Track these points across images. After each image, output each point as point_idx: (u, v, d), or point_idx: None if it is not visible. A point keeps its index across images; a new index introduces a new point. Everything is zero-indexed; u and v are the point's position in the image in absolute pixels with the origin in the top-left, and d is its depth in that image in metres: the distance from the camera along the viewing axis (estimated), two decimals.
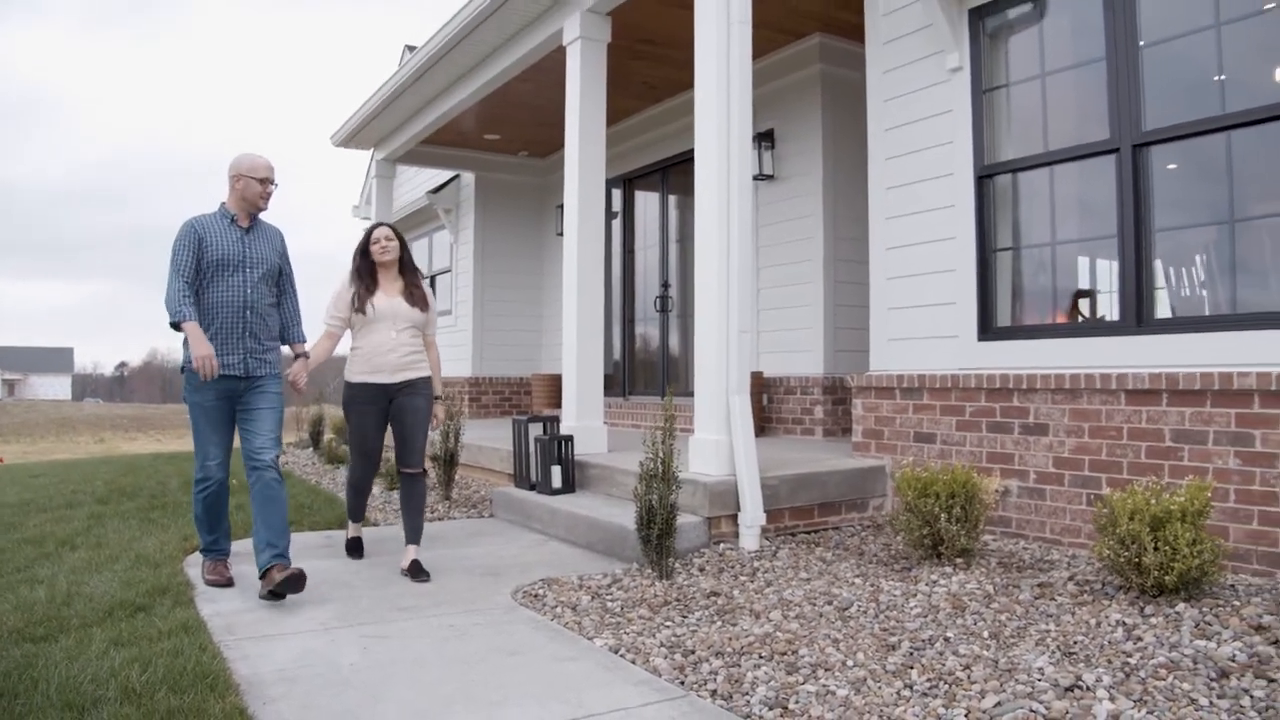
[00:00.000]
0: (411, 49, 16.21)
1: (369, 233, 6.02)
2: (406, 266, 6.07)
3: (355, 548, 6.24)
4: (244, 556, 5.68)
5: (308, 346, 5.80)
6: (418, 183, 16.85)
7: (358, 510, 6.29)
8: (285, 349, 5.74)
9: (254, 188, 5.37)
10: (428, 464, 6.91)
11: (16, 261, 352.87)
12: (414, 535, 5.82)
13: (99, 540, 6.61)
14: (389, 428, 6.02)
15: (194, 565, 5.83)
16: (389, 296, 5.90)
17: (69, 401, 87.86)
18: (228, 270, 5.26)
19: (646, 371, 12.42)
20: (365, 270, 5.96)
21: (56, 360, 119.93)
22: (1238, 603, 4.32)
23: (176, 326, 5.10)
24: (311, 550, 6.31)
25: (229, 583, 5.38)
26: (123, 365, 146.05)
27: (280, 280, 5.61)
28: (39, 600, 4.91)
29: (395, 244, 5.98)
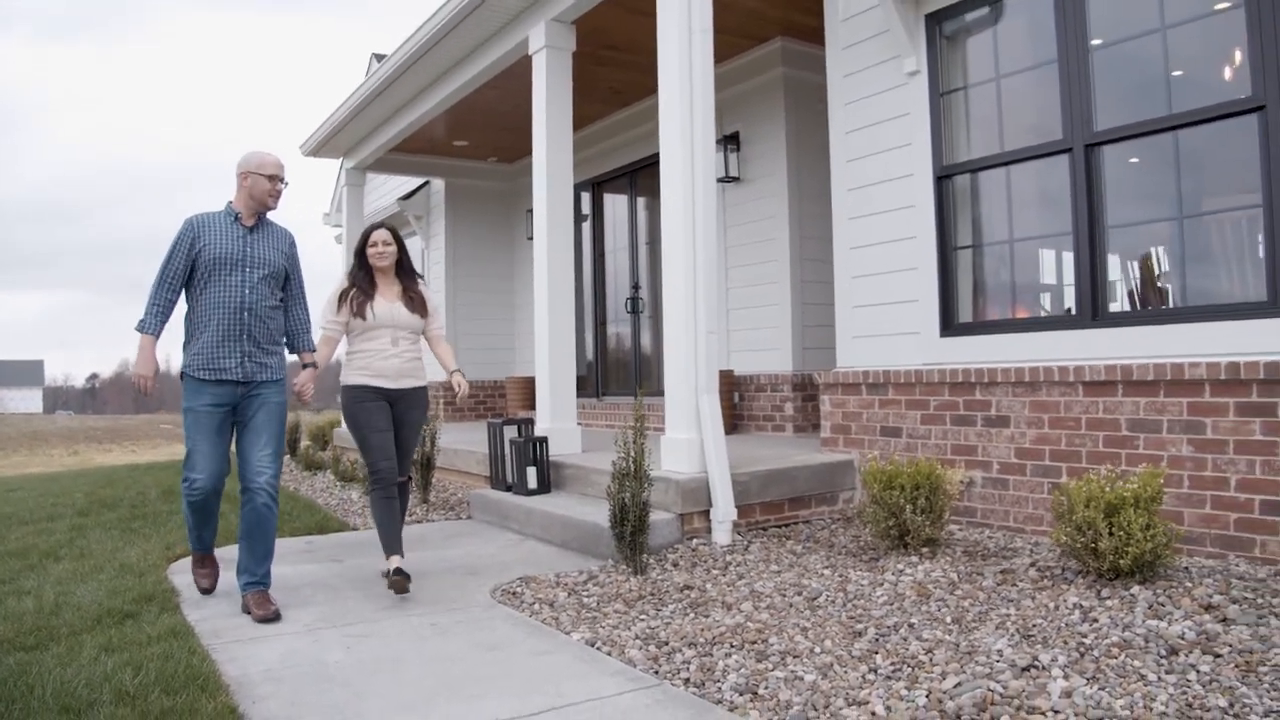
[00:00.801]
0: (380, 58, 16.32)
1: (366, 234, 5.78)
2: (404, 269, 5.84)
3: (402, 579, 5.24)
4: (228, 564, 5.77)
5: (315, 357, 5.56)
6: (388, 189, 16.95)
7: (393, 537, 5.55)
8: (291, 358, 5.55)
9: (262, 185, 5.12)
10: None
11: None
12: (394, 546, 5.56)
13: (82, 551, 6.69)
14: None
15: (178, 573, 5.92)
16: (388, 302, 5.69)
17: (40, 414, 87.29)
18: (226, 269, 5.01)
19: (619, 372, 12.56)
20: (363, 273, 5.75)
21: (26, 373, 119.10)
22: (1190, 584, 4.50)
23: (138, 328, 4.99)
24: (293, 556, 6.40)
25: (211, 590, 5.40)
26: (94, 377, 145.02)
27: (287, 285, 5.35)
28: (27, 610, 5.00)
29: (393, 248, 5.74)
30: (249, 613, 4.88)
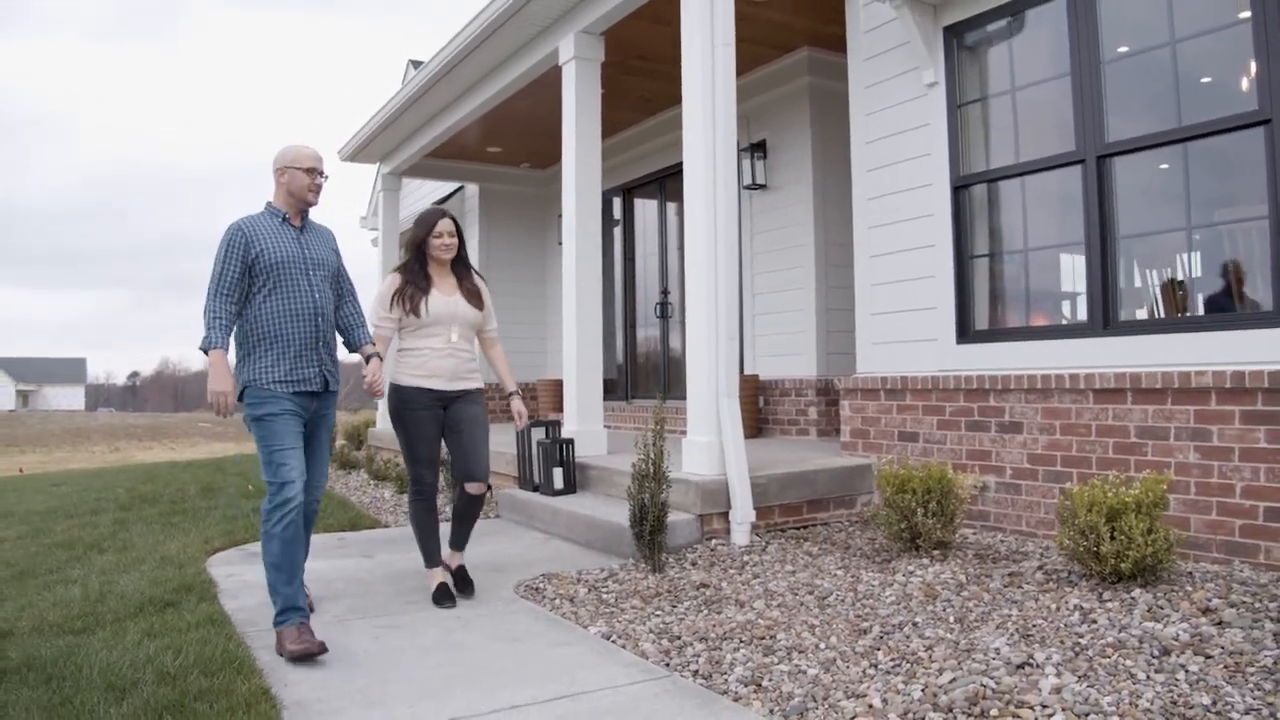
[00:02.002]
0: (416, 64, 16.58)
1: (430, 223, 5.37)
2: (461, 260, 5.52)
3: (445, 595, 5.22)
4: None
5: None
6: (423, 193, 17.22)
7: (431, 549, 5.43)
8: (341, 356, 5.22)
9: (300, 180, 4.78)
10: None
11: (30, 273, 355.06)
12: (460, 542, 5.50)
13: (125, 543, 6.97)
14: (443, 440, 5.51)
15: (216, 565, 6.19)
16: (445, 296, 5.37)
17: (83, 412, 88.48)
18: (291, 274, 4.70)
19: (648, 375, 12.75)
20: (419, 266, 5.40)
21: (70, 371, 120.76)
22: (1191, 588, 4.62)
23: (206, 352, 4.52)
24: (326, 551, 6.63)
25: (322, 649, 4.24)
26: (135, 375, 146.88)
27: (339, 281, 5.08)
28: (75, 598, 5.29)
29: (457, 240, 5.44)
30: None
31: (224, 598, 5.34)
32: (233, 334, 4.65)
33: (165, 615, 4.89)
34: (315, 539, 6.75)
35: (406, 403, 5.33)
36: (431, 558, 5.40)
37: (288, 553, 4.48)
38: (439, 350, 5.34)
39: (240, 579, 5.79)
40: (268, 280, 4.66)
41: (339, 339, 5.06)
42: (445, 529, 5.57)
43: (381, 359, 5.11)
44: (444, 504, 8.57)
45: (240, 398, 4.62)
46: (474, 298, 5.48)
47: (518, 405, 5.64)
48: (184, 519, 8.10)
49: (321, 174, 4.87)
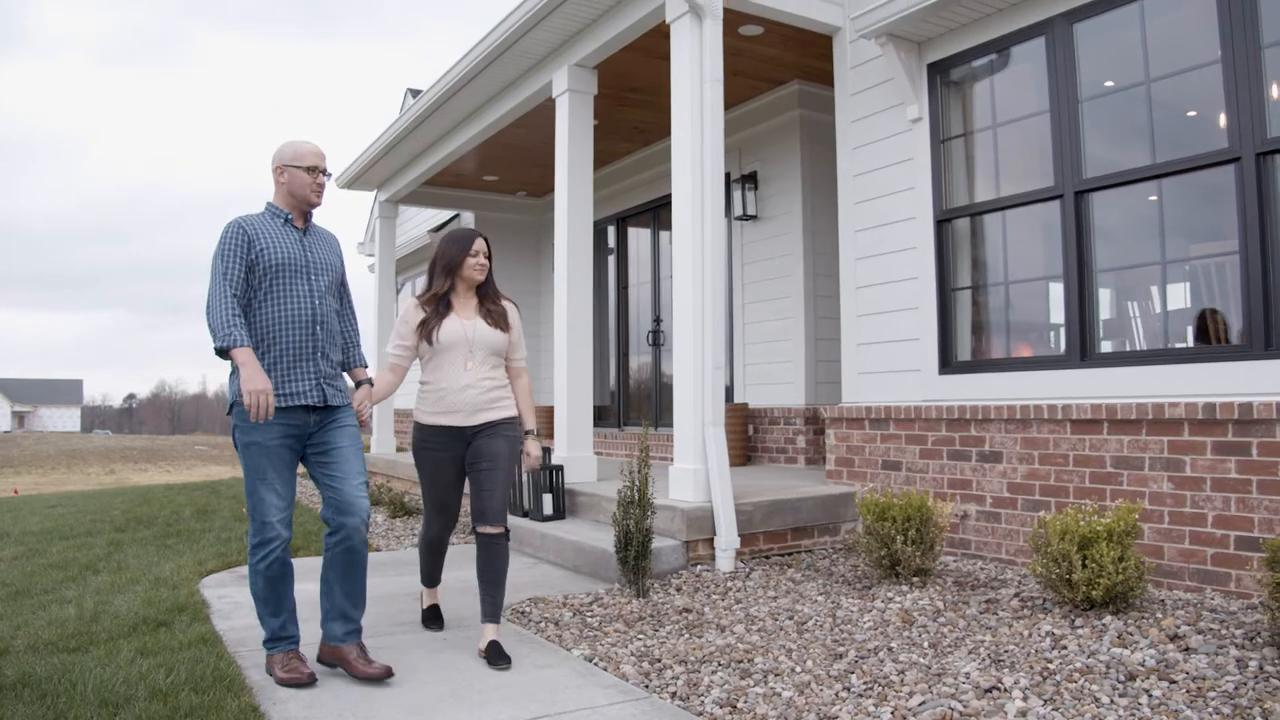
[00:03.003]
0: (415, 93, 16.79)
1: (467, 242, 4.90)
2: (486, 281, 5.00)
3: (433, 617, 5.31)
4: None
5: (369, 373, 4.79)
6: (419, 221, 17.41)
7: (432, 575, 5.32)
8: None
9: (301, 179, 4.40)
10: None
11: (26, 294, 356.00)
12: (492, 612, 4.77)
13: (120, 564, 7.06)
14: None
15: (210, 586, 6.27)
16: (463, 320, 4.84)
17: (78, 433, 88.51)
18: (290, 277, 4.32)
19: (641, 402, 12.86)
20: (444, 290, 4.89)
21: (66, 392, 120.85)
22: (1161, 615, 4.73)
23: (223, 353, 4.10)
24: (315, 573, 6.67)
25: (311, 680, 4.22)
26: (131, 397, 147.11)
27: (340, 292, 4.67)
28: (69, 617, 5.38)
29: (488, 262, 4.99)
30: (347, 668, 4.32)
31: (216, 618, 5.43)
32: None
33: (158, 635, 4.98)
34: (308, 560, 6.84)
35: (425, 443, 4.91)
36: (429, 579, 5.31)
37: (273, 589, 4.31)
38: (454, 381, 4.80)
39: (233, 600, 5.87)
40: (264, 283, 4.27)
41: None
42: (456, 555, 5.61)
43: (374, 385, 4.73)
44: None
45: (230, 412, 4.30)
46: (497, 320, 4.92)
47: (532, 446, 5.12)
48: (178, 541, 8.19)
49: (324, 172, 4.48)
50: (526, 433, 5.09)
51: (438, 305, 4.86)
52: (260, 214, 4.45)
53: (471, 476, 4.88)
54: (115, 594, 6.00)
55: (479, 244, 4.89)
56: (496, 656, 4.54)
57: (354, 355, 4.74)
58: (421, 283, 16.92)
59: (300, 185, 4.43)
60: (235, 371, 4.16)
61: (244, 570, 6.86)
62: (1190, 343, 5.81)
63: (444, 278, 4.89)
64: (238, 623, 5.33)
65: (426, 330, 4.80)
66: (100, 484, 27.17)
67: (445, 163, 12.22)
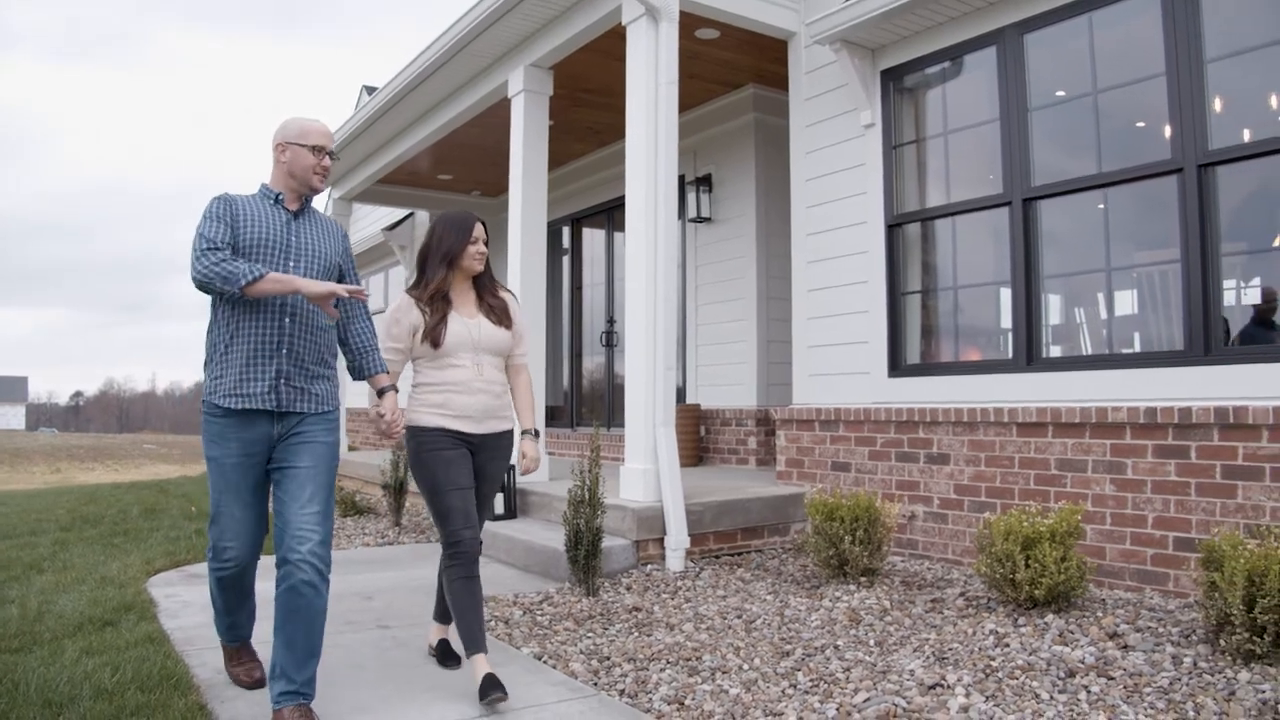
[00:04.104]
0: (370, 89, 16.70)
1: (467, 227, 4.34)
2: (484, 271, 4.48)
3: (448, 654, 4.53)
4: (205, 579, 6.06)
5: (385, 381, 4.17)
6: (373, 219, 17.34)
7: (477, 619, 4.14)
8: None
9: (305, 159, 3.95)
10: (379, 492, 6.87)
11: None
12: (446, 614, 4.52)
13: (65, 564, 6.98)
14: None
15: (157, 585, 6.21)
16: (467, 317, 4.33)
17: (23, 431, 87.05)
18: (265, 260, 3.80)
19: (594, 403, 12.88)
20: (442, 283, 4.32)
21: (10, 390, 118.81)
22: (1101, 614, 4.83)
23: (242, 294, 3.65)
24: (265, 572, 6.65)
25: (259, 683, 4.09)
26: (78, 395, 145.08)
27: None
28: (12, 618, 5.30)
29: (487, 249, 4.45)
30: None
31: (164, 617, 5.39)
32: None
33: (104, 634, 4.93)
34: (267, 561, 6.81)
35: (431, 446, 4.23)
36: (475, 641, 4.07)
37: (226, 598, 4.08)
38: (464, 385, 4.26)
39: (181, 599, 5.83)
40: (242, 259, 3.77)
41: (342, 363, 4.20)
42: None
43: (397, 391, 4.17)
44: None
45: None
46: (500, 317, 4.42)
47: (529, 448, 4.54)
48: (125, 540, 8.11)
49: (330, 154, 4.05)
50: (525, 432, 4.57)
51: (435, 302, 4.29)
52: (250, 194, 4.00)
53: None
54: (60, 594, 5.93)
55: (479, 229, 4.37)
56: (491, 686, 3.93)
57: (370, 360, 4.16)
58: (397, 276, 16.84)
59: (303, 166, 3.97)
60: (206, 365, 3.88)
61: (192, 569, 6.82)
62: (1133, 348, 5.93)
63: (441, 269, 4.31)
64: (185, 621, 5.29)
65: (430, 333, 4.24)
66: (45, 483, 26.77)
67: (400, 161, 12.17)
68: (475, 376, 4.28)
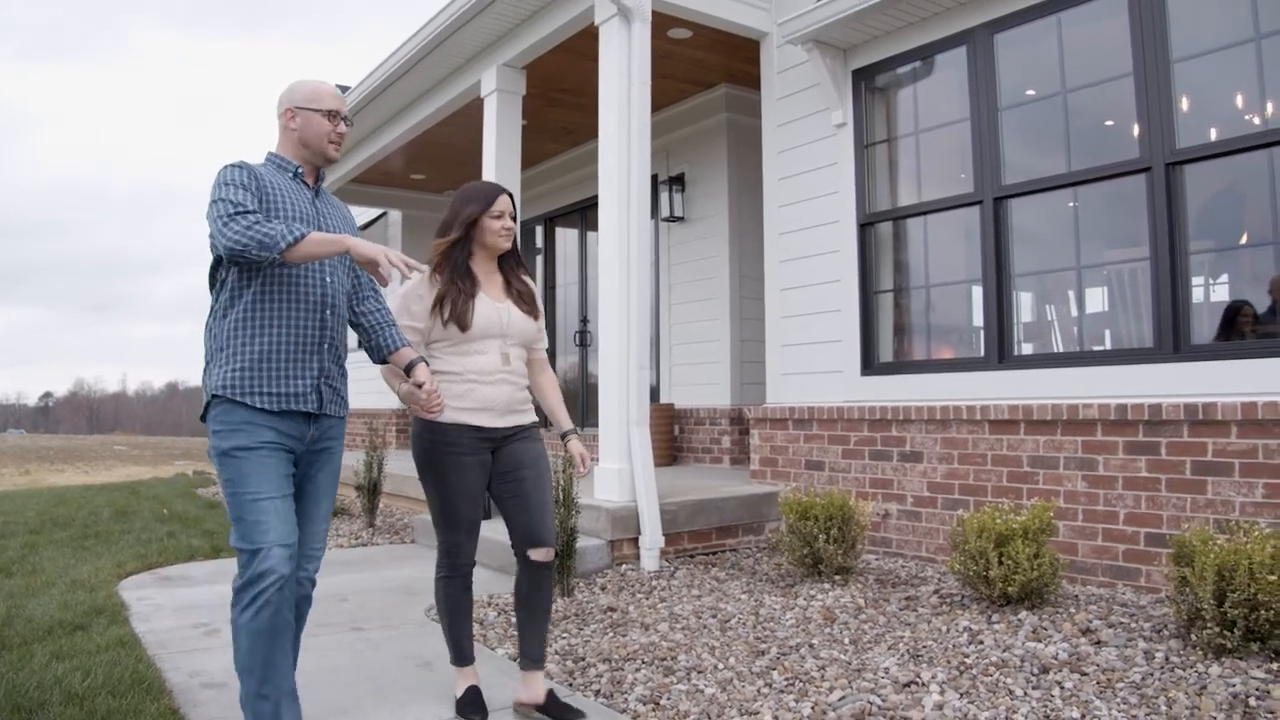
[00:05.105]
0: (344, 89, 16.60)
1: (489, 197, 3.89)
2: (510, 253, 4.02)
3: (474, 705, 3.87)
4: (177, 581, 6.02)
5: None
6: None
7: (463, 640, 3.97)
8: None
9: (319, 125, 3.50)
10: (353, 494, 6.66)
11: None
12: (536, 652, 3.88)
13: (34, 567, 6.90)
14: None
15: (129, 589, 6.16)
16: (494, 301, 3.90)
17: None
18: None
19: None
20: (463, 260, 3.88)
21: None
22: (1074, 610, 4.87)
23: (281, 258, 3.14)
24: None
25: None
26: (48, 395, 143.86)
27: (356, 270, 3.69)
28: None
29: (515, 225, 3.99)
30: None
31: (135, 620, 5.35)
32: (206, 328, 3.44)
33: (74, 638, 4.88)
34: (229, 563, 6.75)
35: (444, 446, 3.80)
36: (463, 654, 3.96)
37: (260, 650, 3.20)
38: (489, 374, 3.84)
39: (152, 602, 5.79)
40: None
41: (359, 348, 3.76)
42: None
43: (428, 363, 3.73)
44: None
45: (204, 417, 3.35)
46: (529, 304, 4.02)
47: (578, 447, 4.11)
48: (96, 543, 8.04)
49: (345, 119, 3.59)
50: (568, 432, 4.15)
51: (456, 278, 3.83)
52: (262, 164, 3.51)
53: (507, 487, 3.89)
54: (29, 597, 5.87)
55: (504, 201, 3.90)
56: (564, 710, 3.78)
57: (391, 336, 3.70)
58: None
59: (316, 133, 3.50)
60: (210, 361, 3.36)
61: (164, 571, 6.77)
62: (1103, 346, 5.97)
63: (460, 244, 3.88)
64: (158, 625, 5.25)
65: (456, 312, 3.78)
66: (14, 485, 26.54)
67: (373, 160, 12.14)
68: (501, 366, 3.86)
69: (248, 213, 3.14)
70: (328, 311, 3.43)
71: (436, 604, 3.97)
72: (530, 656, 3.85)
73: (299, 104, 3.50)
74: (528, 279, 4.06)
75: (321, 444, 3.50)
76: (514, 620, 5.24)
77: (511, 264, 4.01)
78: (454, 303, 3.77)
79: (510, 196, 3.93)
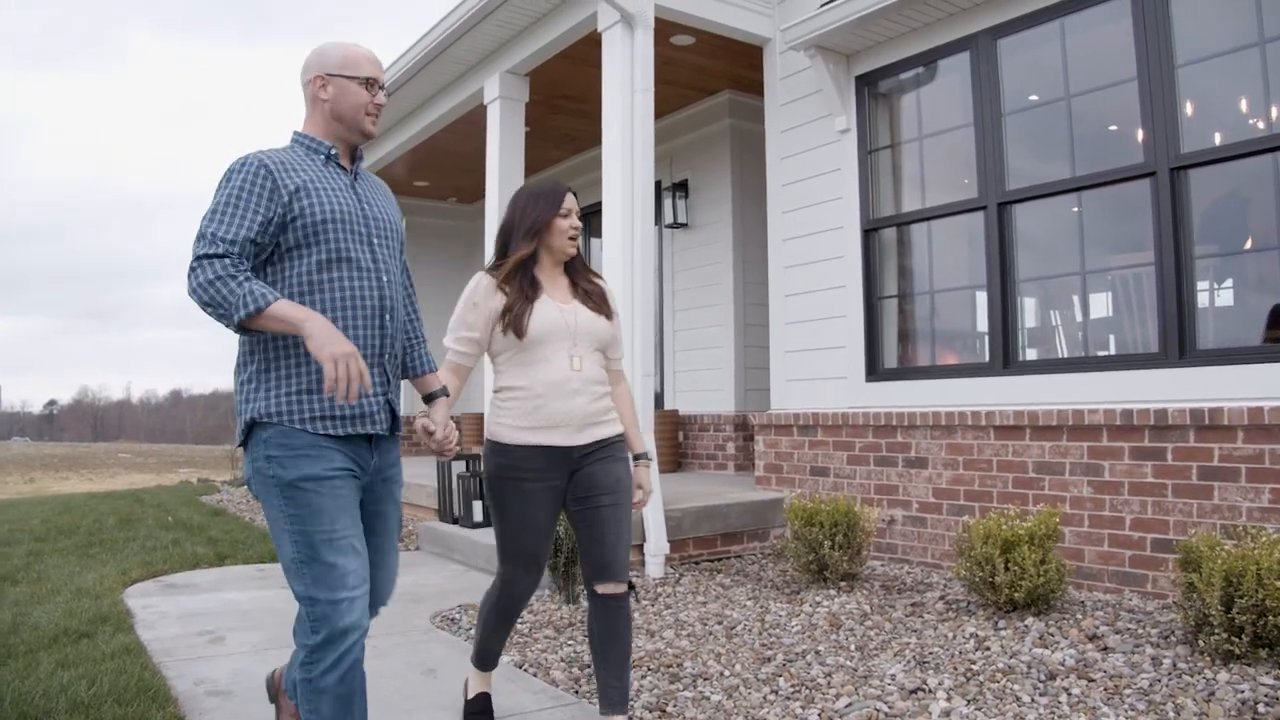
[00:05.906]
0: None
1: (557, 197, 3.57)
2: (576, 255, 3.68)
3: (484, 713, 3.82)
4: (182, 589, 6.01)
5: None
6: None
7: (492, 653, 3.82)
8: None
9: (356, 96, 2.97)
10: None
11: None
12: (619, 699, 3.49)
13: (40, 575, 6.90)
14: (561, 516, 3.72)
15: (134, 596, 6.16)
16: (560, 304, 3.53)
17: None
18: (346, 240, 2.88)
19: None
20: (529, 264, 3.55)
21: None
22: (1081, 616, 4.85)
23: (241, 328, 2.65)
24: (244, 582, 6.65)
25: None
26: (52, 403, 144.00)
27: (405, 265, 3.27)
28: None
29: (582, 226, 3.70)
30: None
31: (141, 628, 5.35)
32: (243, 344, 2.87)
33: (80, 646, 4.88)
34: (235, 570, 6.76)
35: (511, 470, 3.47)
36: (489, 660, 3.83)
37: (343, 714, 2.79)
38: (558, 385, 3.46)
39: (158, 610, 5.79)
40: (313, 249, 2.83)
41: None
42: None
43: (449, 396, 3.39)
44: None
45: (244, 443, 2.85)
46: (599, 303, 3.64)
47: (644, 477, 3.71)
48: (101, 550, 8.04)
49: (383, 88, 3.05)
50: (638, 458, 3.74)
51: (521, 282, 3.50)
52: (286, 148, 2.98)
53: (582, 514, 3.53)
54: (35, 605, 5.87)
55: (570, 200, 3.59)
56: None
57: (419, 356, 3.31)
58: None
59: (353, 104, 2.97)
60: (253, 382, 2.83)
61: (169, 579, 6.77)
62: (1109, 351, 5.96)
63: (527, 244, 3.53)
64: (163, 633, 5.25)
65: (513, 318, 3.43)
66: (19, 493, 26.56)
67: (376, 167, 12.14)
68: (572, 375, 3.46)
69: (220, 256, 2.61)
70: (386, 317, 2.96)
71: (480, 608, 3.75)
72: (610, 701, 3.48)
73: (331, 70, 2.96)
74: (597, 279, 3.73)
75: (387, 471, 3.07)
76: (518, 628, 5.26)
77: (578, 265, 3.68)
78: (511, 308, 3.44)
79: (574, 193, 3.64)
